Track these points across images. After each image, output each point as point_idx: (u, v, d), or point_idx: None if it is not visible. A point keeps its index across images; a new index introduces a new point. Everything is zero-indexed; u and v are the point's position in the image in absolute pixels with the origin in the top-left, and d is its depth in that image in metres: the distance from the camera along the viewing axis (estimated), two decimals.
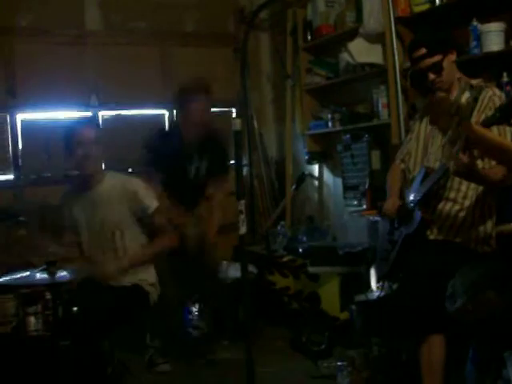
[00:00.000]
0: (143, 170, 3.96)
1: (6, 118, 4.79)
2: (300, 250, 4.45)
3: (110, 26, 5.05)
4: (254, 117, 5.63)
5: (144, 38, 5.14)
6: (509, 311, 2.82)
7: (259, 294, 4.45)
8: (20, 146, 4.81)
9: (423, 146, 2.98)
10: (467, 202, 2.82)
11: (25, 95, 4.76)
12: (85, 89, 4.91)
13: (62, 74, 4.77)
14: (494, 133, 2.67)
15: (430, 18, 3.74)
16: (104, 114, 5.05)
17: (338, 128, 4.70)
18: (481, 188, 2.79)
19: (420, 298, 2.64)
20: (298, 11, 5.03)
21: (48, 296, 2.86)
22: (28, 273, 2.97)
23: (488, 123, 2.44)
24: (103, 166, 3.36)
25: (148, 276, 3.29)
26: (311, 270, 4.15)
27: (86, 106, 4.94)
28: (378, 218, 3.44)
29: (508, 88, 3.23)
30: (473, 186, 2.80)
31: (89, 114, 4.93)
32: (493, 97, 2.72)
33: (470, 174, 2.57)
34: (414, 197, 2.88)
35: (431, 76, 2.84)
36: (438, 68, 2.81)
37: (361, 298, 3.73)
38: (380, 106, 4.24)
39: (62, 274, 2.91)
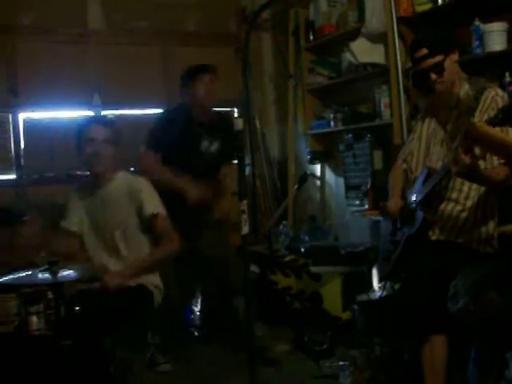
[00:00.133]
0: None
1: (8, 117, 4.80)
2: (302, 250, 4.45)
3: (111, 26, 5.05)
4: (256, 116, 5.63)
5: (146, 37, 5.14)
6: (511, 311, 2.81)
7: (261, 294, 4.46)
8: (22, 146, 4.82)
9: (425, 146, 2.98)
10: (469, 203, 2.82)
11: (27, 94, 4.76)
12: (87, 88, 4.91)
13: (63, 73, 4.77)
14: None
15: (432, 17, 3.74)
16: (106, 113, 5.05)
17: (340, 128, 4.70)
18: (483, 188, 2.79)
19: (422, 298, 2.64)
20: (300, 11, 5.03)
21: (50, 295, 2.85)
22: (30, 272, 2.97)
23: (490, 124, 2.43)
24: (114, 165, 3.33)
25: (153, 278, 3.28)
26: (313, 269, 4.15)
27: (88, 105, 4.94)
28: (379, 218, 3.44)
29: (511, 88, 3.23)
30: (475, 186, 2.80)
31: (91, 113, 4.93)
32: (495, 97, 2.72)
33: (472, 174, 2.57)
34: (416, 197, 2.88)
35: (433, 76, 2.83)
36: (439, 68, 2.80)
37: (363, 297, 3.73)
38: (382, 105, 4.24)
39: (65, 273, 2.91)
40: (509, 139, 1.66)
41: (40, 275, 2.86)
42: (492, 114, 2.48)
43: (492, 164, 2.73)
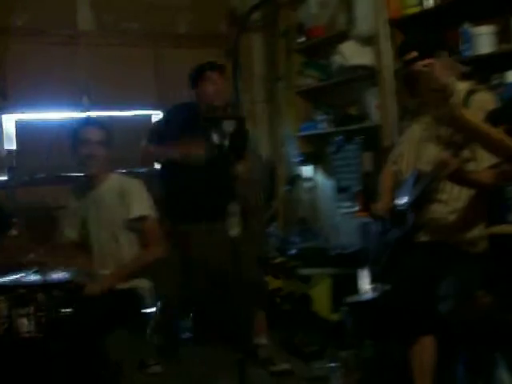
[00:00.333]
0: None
1: None
2: (292, 252, 4.46)
3: (102, 27, 5.04)
4: (246, 118, 5.62)
5: (136, 39, 5.13)
6: (500, 312, 2.83)
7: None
8: (14, 147, 4.79)
9: (416, 149, 2.99)
10: (459, 204, 2.83)
11: (16, 96, 4.74)
12: (76, 89, 4.89)
13: (53, 75, 4.75)
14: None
15: (421, 20, 3.76)
16: (96, 114, 5.03)
17: (330, 130, 4.71)
18: (472, 190, 2.81)
19: (411, 299, 2.65)
20: (290, 13, 5.05)
21: (40, 298, 2.85)
22: (20, 274, 2.96)
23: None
24: (108, 167, 3.33)
25: (143, 281, 3.28)
26: (303, 271, 4.16)
27: (78, 106, 4.92)
28: (370, 220, 3.45)
29: (499, 90, 3.25)
30: (464, 188, 2.81)
31: (81, 114, 4.91)
32: (483, 100, 2.74)
33: (460, 178, 2.60)
34: (407, 199, 2.89)
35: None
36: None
37: (353, 299, 3.74)
38: (372, 107, 4.26)
39: (55, 275, 2.91)
40: (492, 131, 1.67)
41: (30, 277, 2.85)
42: (482, 117, 2.50)
43: (480, 166, 2.75)
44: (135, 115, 5.25)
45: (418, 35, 3.08)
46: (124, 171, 4.11)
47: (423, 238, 2.89)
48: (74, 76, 4.85)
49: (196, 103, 3.91)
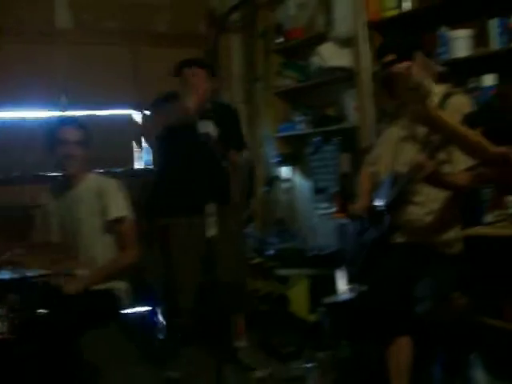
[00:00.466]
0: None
1: None
2: (270, 252, 4.46)
3: (80, 25, 4.99)
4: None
5: (115, 37, 5.09)
6: (475, 313, 2.86)
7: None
8: None
9: (393, 150, 3.01)
10: (435, 206, 2.85)
11: None
12: (54, 88, 4.84)
13: (30, 73, 4.70)
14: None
15: (399, 22, 3.78)
16: (73, 113, 4.98)
17: (308, 131, 4.73)
18: (448, 192, 2.83)
19: (388, 300, 2.67)
20: (269, 14, 5.05)
21: (14, 298, 2.82)
22: None
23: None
24: (86, 167, 3.31)
25: (120, 283, 3.26)
26: (280, 272, 4.17)
27: (55, 105, 4.87)
28: (347, 221, 3.47)
29: (475, 94, 3.28)
30: (440, 190, 2.83)
31: (59, 113, 4.87)
32: (460, 102, 2.76)
33: (436, 180, 2.62)
34: (383, 201, 2.91)
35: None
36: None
37: (330, 300, 3.75)
38: (349, 109, 4.27)
39: (30, 275, 2.88)
40: (469, 133, 1.69)
41: (3, 277, 2.82)
42: (458, 120, 2.52)
43: (456, 169, 2.77)
44: (113, 114, 5.22)
45: (395, 38, 3.09)
46: (101, 171, 4.09)
47: (399, 239, 2.91)
48: (51, 75, 4.80)
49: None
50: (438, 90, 2.82)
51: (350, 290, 3.66)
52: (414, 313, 2.62)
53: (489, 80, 3.27)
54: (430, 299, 2.59)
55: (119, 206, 3.22)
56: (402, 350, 2.69)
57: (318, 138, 4.57)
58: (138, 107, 5.18)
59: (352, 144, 4.27)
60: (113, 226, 3.22)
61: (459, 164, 2.76)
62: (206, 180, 3.10)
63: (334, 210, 4.38)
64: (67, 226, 3.27)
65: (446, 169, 2.76)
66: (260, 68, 5.22)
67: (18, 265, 3.06)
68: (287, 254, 4.34)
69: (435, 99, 2.82)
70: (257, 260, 4.52)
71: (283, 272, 4.16)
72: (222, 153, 3.58)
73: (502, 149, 1.54)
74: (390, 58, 2.87)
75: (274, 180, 5.31)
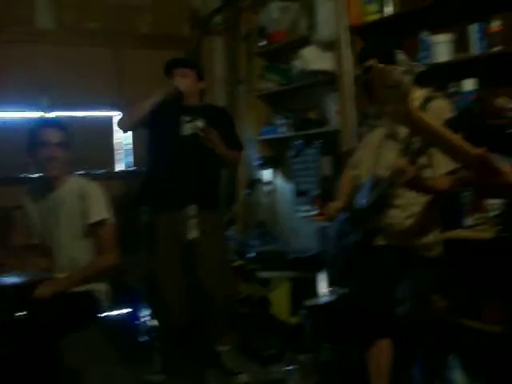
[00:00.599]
0: None
1: None
2: (251, 255, 4.46)
3: (62, 26, 4.96)
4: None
5: (97, 38, 5.07)
6: (454, 315, 2.88)
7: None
8: None
9: (375, 154, 3.03)
10: (415, 209, 2.88)
11: None
12: (35, 89, 4.80)
13: (11, 73, 4.66)
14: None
15: (381, 27, 3.81)
16: (55, 115, 4.95)
17: (290, 134, 4.74)
18: (428, 196, 2.85)
19: (368, 302, 2.68)
20: (252, 16, 5.06)
21: None
22: None
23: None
24: (68, 169, 3.28)
25: (99, 284, 3.24)
26: (262, 274, 4.17)
27: (37, 106, 4.84)
28: (328, 224, 3.48)
29: (455, 98, 3.31)
30: (420, 193, 2.85)
31: (40, 114, 4.83)
32: (440, 107, 2.78)
33: (416, 184, 2.64)
34: (363, 204, 2.92)
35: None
36: None
37: (311, 302, 3.76)
38: (331, 112, 4.29)
39: (8, 277, 2.85)
40: (452, 136, 1.70)
41: None
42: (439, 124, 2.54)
43: (436, 173, 2.79)
44: (96, 116, 5.19)
45: (377, 42, 3.11)
46: (82, 172, 4.07)
47: (380, 242, 2.92)
48: (32, 75, 4.76)
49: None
50: (419, 94, 2.84)
51: (331, 292, 3.67)
52: (393, 315, 2.64)
53: (469, 85, 3.30)
54: (409, 301, 2.61)
55: (100, 209, 3.20)
56: (382, 352, 2.70)
57: (300, 141, 4.58)
58: (120, 108, 5.17)
59: (333, 147, 4.29)
60: (93, 229, 3.20)
61: (439, 168, 2.78)
62: (189, 181, 3.11)
63: (315, 212, 4.39)
64: (48, 228, 3.24)
65: (427, 173, 2.78)
66: (243, 71, 5.23)
67: None
68: (268, 256, 4.35)
69: (416, 103, 2.84)
70: (238, 262, 4.52)
71: (264, 274, 4.17)
72: (213, 153, 3.61)
73: (479, 150, 1.55)
74: (371, 62, 2.89)
75: (255, 183, 5.31)
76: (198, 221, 2.96)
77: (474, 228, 3.12)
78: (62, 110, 4.91)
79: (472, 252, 3.00)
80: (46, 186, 3.26)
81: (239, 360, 3.88)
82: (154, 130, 3.75)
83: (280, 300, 4.07)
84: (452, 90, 3.37)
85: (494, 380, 2.77)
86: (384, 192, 2.82)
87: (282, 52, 4.87)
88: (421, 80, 3.08)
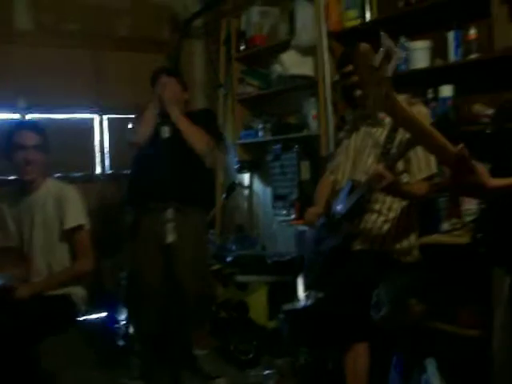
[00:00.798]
0: None
1: None
2: (229, 259, 4.46)
3: (40, 27, 4.92)
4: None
5: (76, 40, 5.04)
6: (430, 319, 2.90)
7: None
8: None
9: (352, 159, 3.05)
10: (392, 214, 2.90)
11: None
12: (12, 91, 4.76)
13: None
14: (419, 151, 2.75)
15: (360, 33, 3.83)
16: (32, 117, 4.91)
17: (269, 138, 4.74)
18: (405, 201, 2.88)
19: (345, 307, 2.69)
20: (232, 21, 5.06)
21: None
22: None
23: (413, 142, 2.52)
24: (45, 172, 3.26)
25: (77, 288, 3.22)
26: (240, 278, 4.16)
27: (14, 108, 4.79)
28: (306, 228, 3.49)
29: (433, 104, 3.34)
30: (397, 198, 2.87)
31: (16, 117, 4.79)
32: (420, 112, 2.80)
33: (394, 189, 2.66)
34: (341, 209, 2.93)
35: (358, 92, 2.91)
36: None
37: (288, 307, 3.77)
38: (310, 117, 4.31)
39: None
40: (427, 125, 1.71)
41: None
42: None
43: (414, 178, 2.82)
44: (74, 118, 5.16)
45: (355, 48, 3.12)
46: (59, 175, 4.04)
47: (357, 246, 2.94)
48: (10, 77, 4.71)
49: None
50: (398, 99, 2.86)
51: (307, 297, 3.68)
52: (370, 320, 2.65)
53: (446, 91, 3.33)
54: (386, 306, 2.62)
55: (77, 215, 3.18)
56: (359, 357, 2.71)
57: (279, 146, 4.59)
58: (99, 111, 5.14)
59: (312, 152, 4.31)
60: (70, 234, 3.18)
61: (417, 174, 2.81)
62: (168, 182, 3.10)
63: (293, 216, 4.40)
64: (24, 232, 3.21)
65: (404, 178, 2.81)
66: (222, 75, 5.23)
67: None
68: (246, 260, 4.34)
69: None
70: (216, 266, 4.51)
71: (242, 278, 4.16)
72: (194, 155, 3.61)
73: (458, 147, 1.57)
74: (348, 68, 2.92)
75: (234, 186, 5.32)
76: (175, 224, 2.94)
77: (451, 233, 3.14)
78: (40, 113, 4.88)
79: (448, 257, 3.02)
80: (22, 189, 3.23)
81: (217, 364, 3.88)
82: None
83: (258, 304, 4.07)
84: (430, 95, 3.40)
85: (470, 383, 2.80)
86: (361, 197, 2.83)
87: (261, 56, 4.87)
88: (399, 86, 3.11)
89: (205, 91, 5.76)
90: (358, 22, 3.81)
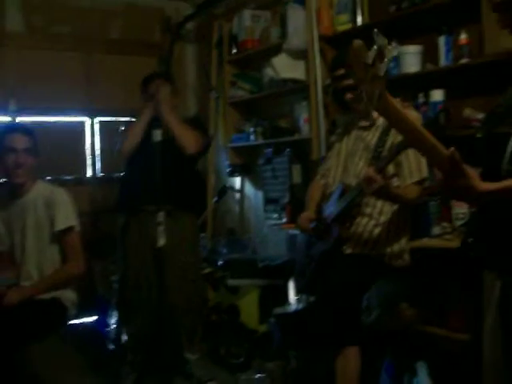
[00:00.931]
0: None
1: None
2: (220, 262, 4.46)
3: (31, 29, 4.91)
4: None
5: (67, 43, 5.03)
6: (421, 322, 2.91)
7: None
8: None
9: (343, 163, 3.05)
10: (383, 218, 2.90)
11: None
12: (2, 93, 4.74)
13: None
14: (410, 155, 2.76)
15: (351, 37, 3.83)
16: (23, 119, 4.89)
17: (260, 141, 4.75)
18: (396, 205, 2.88)
19: (336, 310, 2.69)
20: (224, 24, 5.06)
21: None
22: None
23: (405, 145, 2.53)
24: (35, 175, 3.24)
25: (67, 292, 3.20)
26: (231, 282, 4.16)
27: (4, 111, 4.77)
28: (297, 232, 3.49)
29: (424, 109, 3.35)
30: (388, 202, 2.88)
31: (7, 119, 4.77)
32: (411, 116, 2.81)
33: (384, 193, 2.67)
34: (331, 212, 2.94)
35: (348, 96, 2.93)
36: (354, 89, 2.89)
37: (279, 310, 3.77)
38: (301, 121, 4.31)
39: None
40: (419, 126, 1.72)
41: None
42: None
43: (405, 182, 2.82)
44: (65, 121, 5.15)
45: (347, 53, 3.13)
46: (50, 178, 4.03)
47: (348, 250, 2.94)
48: (0, 79, 4.70)
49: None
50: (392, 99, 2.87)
51: (298, 300, 3.68)
52: (361, 323, 2.65)
53: (437, 95, 3.35)
54: (377, 310, 2.62)
55: (67, 217, 3.17)
56: (349, 361, 2.71)
57: (270, 149, 4.59)
58: (90, 113, 5.13)
59: (303, 155, 4.31)
60: (60, 237, 3.17)
61: (407, 177, 2.82)
62: (160, 185, 3.10)
63: (284, 220, 4.40)
64: (14, 235, 3.19)
65: (395, 182, 2.81)
66: (214, 78, 5.23)
67: None
68: (238, 264, 4.34)
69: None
70: (207, 270, 4.50)
71: (233, 282, 4.16)
72: (185, 158, 3.61)
73: (450, 149, 1.58)
74: (339, 72, 2.93)
75: (225, 190, 5.31)
76: (166, 227, 2.94)
77: (441, 237, 3.15)
78: (31, 115, 4.86)
79: (439, 261, 3.03)
80: (12, 193, 3.21)
81: (208, 368, 3.87)
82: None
83: (249, 308, 4.07)
84: (420, 100, 3.42)
85: None
86: (351, 201, 2.84)
87: (253, 60, 4.88)
88: (390, 90, 3.12)
89: (196, 94, 5.76)
90: (349, 26, 3.83)
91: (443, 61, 3.34)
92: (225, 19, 5.09)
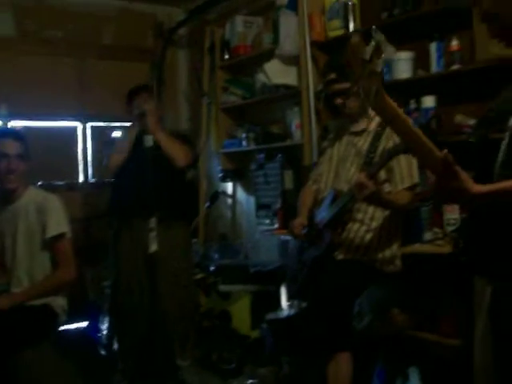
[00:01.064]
0: None
1: None
2: (212, 268, 4.45)
3: (24, 34, 4.90)
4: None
5: (59, 48, 5.02)
6: (413, 327, 2.91)
7: None
8: None
9: (335, 168, 3.06)
10: (374, 224, 2.91)
11: None
12: None
13: None
14: (401, 160, 2.77)
15: (344, 42, 3.84)
16: (15, 124, 4.87)
17: (252, 147, 4.75)
18: (387, 210, 2.89)
19: (327, 316, 2.69)
20: (216, 30, 5.07)
21: None
22: None
23: (396, 151, 2.54)
24: (27, 180, 3.22)
25: (58, 299, 3.19)
26: (223, 287, 4.15)
27: None
28: (289, 238, 3.49)
29: (415, 115, 3.37)
30: (380, 208, 2.89)
31: None
32: None
33: (376, 199, 2.67)
34: (323, 218, 2.94)
35: (338, 100, 2.94)
36: (345, 94, 2.90)
37: (271, 316, 3.76)
38: (293, 126, 4.32)
39: None
40: (415, 129, 1.71)
41: None
42: (397, 140, 2.58)
43: (396, 188, 2.83)
44: (57, 126, 5.14)
45: (338, 57, 3.15)
46: (42, 183, 4.01)
47: (340, 256, 2.94)
48: None
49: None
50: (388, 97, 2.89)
51: (290, 306, 3.68)
52: (352, 329, 2.65)
53: (429, 101, 3.36)
54: (368, 315, 2.62)
55: (58, 224, 3.15)
56: (341, 366, 2.71)
57: (262, 155, 4.60)
58: (82, 119, 5.12)
59: (295, 161, 4.31)
60: (51, 243, 3.15)
61: (399, 183, 2.83)
62: (151, 191, 3.09)
63: (276, 226, 4.40)
64: (5, 240, 3.18)
65: (386, 188, 2.82)
66: (206, 84, 5.23)
67: None
68: (229, 269, 4.34)
69: (377, 119, 2.88)
70: (199, 275, 4.49)
71: (225, 288, 4.15)
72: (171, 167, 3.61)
73: (444, 151, 1.58)
74: (331, 77, 2.94)
75: (217, 195, 5.31)
76: (157, 233, 2.94)
77: (433, 243, 3.16)
78: (23, 120, 4.85)
79: (430, 266, 3.04)
80: (3, 198, 3.20)
81: (200, 374, 3.86)
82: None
83: (241, 313, 4.06)
84: (412, 106, 3.43)
85: None
86: (343, 207, 2.84)
87: (245, 65, 4.89)
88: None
89: (188, 100, 5.77)
90: (341, 32, 3.83)
91: (435, 67, 3.35)
92: (217, 25, 5.10)
